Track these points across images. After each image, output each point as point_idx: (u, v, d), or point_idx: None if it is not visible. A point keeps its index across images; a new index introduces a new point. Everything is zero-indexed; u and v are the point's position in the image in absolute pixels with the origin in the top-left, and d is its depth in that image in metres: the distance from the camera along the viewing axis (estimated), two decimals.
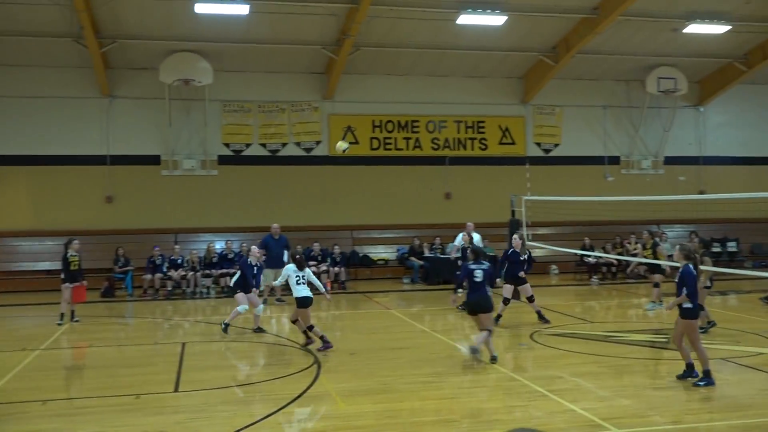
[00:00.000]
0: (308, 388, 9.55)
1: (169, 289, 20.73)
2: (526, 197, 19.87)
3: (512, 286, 14.63)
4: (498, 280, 14.28)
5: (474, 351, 10.77)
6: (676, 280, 9.52)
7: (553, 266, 25.04)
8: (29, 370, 11.11)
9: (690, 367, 9.49)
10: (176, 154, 24.20)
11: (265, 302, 17.12)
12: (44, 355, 12.31)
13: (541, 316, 14.60)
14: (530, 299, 14.75)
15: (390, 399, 9.01)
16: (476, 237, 17.26)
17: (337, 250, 22.38)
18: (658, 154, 27.74)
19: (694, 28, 23.25)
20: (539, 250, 23.75)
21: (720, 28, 23.40)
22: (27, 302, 19.51)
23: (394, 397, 9.07)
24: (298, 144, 25.13)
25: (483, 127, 26.49)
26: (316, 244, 22.24)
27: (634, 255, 20.52)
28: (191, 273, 20.88)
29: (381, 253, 25.16)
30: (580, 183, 25.70)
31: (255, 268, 14.10)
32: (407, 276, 23.57)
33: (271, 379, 10.22)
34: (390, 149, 25.76)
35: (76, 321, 15.65)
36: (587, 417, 8.07)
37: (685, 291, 9.26)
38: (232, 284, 14.47)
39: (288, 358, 11.80)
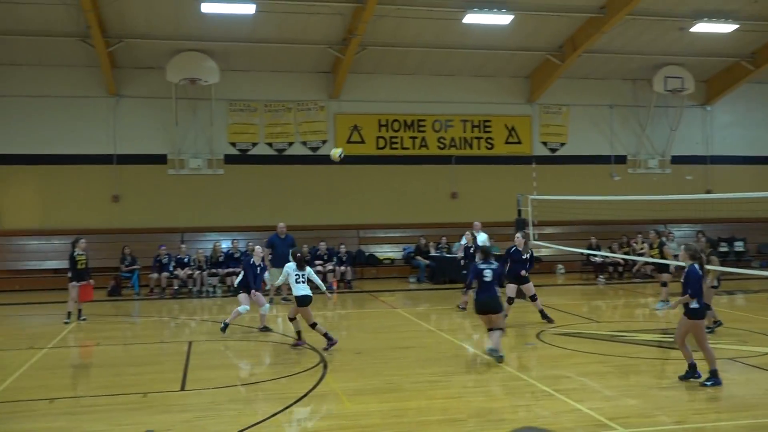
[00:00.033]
0: (314, 387, 9.56)
1: (176, 288, 20.78)
2: (533, 196, 19.86)
3: (515, 286, 14.61)
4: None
5: (494, 352, 10.77)
6: (682, 280, 9.50)
7: (560, 266, 25.00)
8: (36, 368, 11.15)
9: (692, 367, 9.46)
10: (182, 154, 24.25)
11: (271, 301, 17.18)
12: (51, 354, 12.35)
13: (544, 315, 14.58)
14: (533, 298, 14.73)
15: (396, 398, 9.01)
16: (483, 236, 17.23)
17: (343, 249, 22.40)
18: (665, 153, 27.68)
19: (701, 27, 23.18)
20: (545, 249, 23.76)
21: (727, 27, 23.33)
22: (34, 301, 19.59)
23: (401, 397, 9.08)
24: (304, 143, 25.15)
25: (489, 127, 26.47)
26: (322, 243, 22.27)
27: (641, 254, 20.48)
28: (197, 272, 20.91)
29: (387, 252, 25.16)
30: (587, 182, 25.67)
31: (258, 268, 14.03)
32: (413, 275, 23.56)
33: (277, 377, 10.24)
34: (396, 148, 25.75)
35: (83, 320, 15.70)
36: (593, 416, 8.06)
37: (689, 291, 9.24)
38: (236, 284, 14.47)
39: (294, 357, 11.80)
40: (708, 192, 26.10)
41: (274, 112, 24.88)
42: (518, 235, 15.52)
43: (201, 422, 8.13)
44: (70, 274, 15.74)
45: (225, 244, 22.21)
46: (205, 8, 20.53)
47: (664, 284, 16.42)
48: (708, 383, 9.20)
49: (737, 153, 28.07)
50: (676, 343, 9.69)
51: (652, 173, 27.54)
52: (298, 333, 12.26)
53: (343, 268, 21.83)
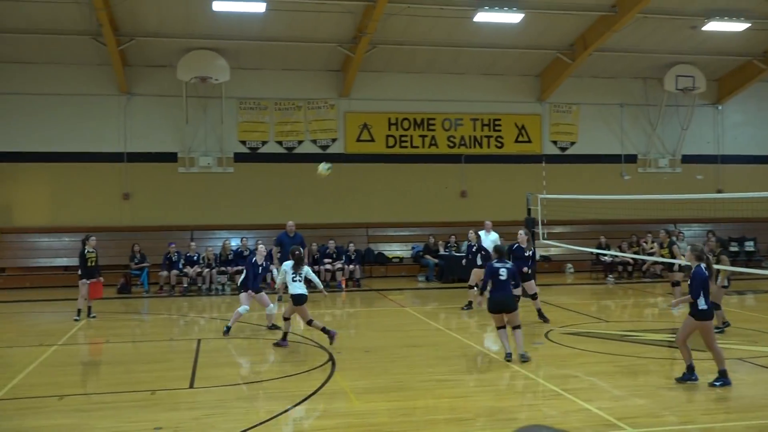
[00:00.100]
0: (322, 385, 9.58)
1: (185, 285, 20.83)
2: (542, 195, 19.81)
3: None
4: None
5: (526, 356, 10.76)
6: (689, 281, 9.47)
7: (569, 265, 24.93)
8: (46, 365, 11.21)
9: (690, 369, 9.39)
10: (193, 152, 24.31)
11: (280, 299, 17.18)
12: (61, 351, 12.41)
13: (541, 315, 14.54)
14: (533, 296, 14.70)
15: (404, 397, 9.01)
16: (494, 236, 17.15)
17: (352, 247, 22.42)
18: (675, 152, 27.57)
19: (713, 26, 23.06)
20: (555, 248, 23.72)
21: (739, 26, 23.20)
22: (44, 298, 19.68)
23: (409, 395, 9.08)
24: (314, 141, 25.17)
25: (499, 125, 26.42)
26: (331, 241, 22.29)
27: (651, 254, 20.39)
28: (207, 270, 20.96)
29: (396, 250, 25.16)
30: (597, 181, 25.61)
31: (260, 267, 13.79)
32: (422, 274, 23.56)
33: (285, 376, 10.25)
34: (406, 147, 25.73)
35: (93, 317, 15.76)
36: (602, 416, 8.04)
37: (697, 294, 9.20)
38: (239, 283, 14.42)
39: (302, 355, 11.82)
40: (719, 191, 25.98)
41: (284, 110, 24.91)
42: (521, 231, 15.52)
43: (209, 420, 8.15)
44: (80, 272, 15.82)
45: (234, 242, 22.27)
46: (216, 6, 20.57)
47: (677, 284, 16.34)
48: (717, 383, 9.16)
49: (748, 152, 27.93)
50: (677, 343, 9.62)
51: (662, 172, 27.44)
52: (285, 334, 12.27)
53: (352, 266, 21.85)
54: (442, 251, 23.50)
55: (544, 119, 26.77)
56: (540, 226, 19.00)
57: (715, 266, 12.80)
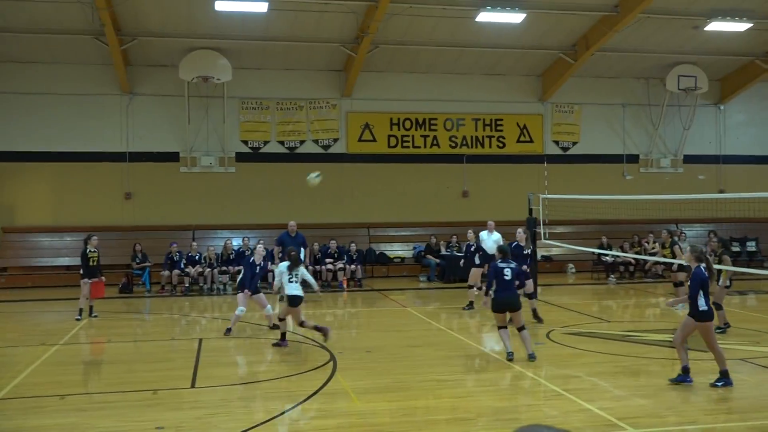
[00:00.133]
0: (324, 385, 9.58)
1: (187, 285, 20.82)
2: (544, 195, 19.79)
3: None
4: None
5: (533, 357, 10.77)
6: (688, 282, 9.47)
7: (571, 265, 24.93)
8: (48, 364, 11.22)
9: (685, 370, 9.36)
10: (195, 151, 24.31)
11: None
12: (63, 350, 12.42)
13: (535, 315, 14.53)
14: (530, 296, 14.70)
15: (405, 397, 9.01)
16: (497, 236, 17.14)
17: (353, 247, 22.43)
18: (677, 152, 27.55)
19: (715, 26, 23.04)
20: (556, 248, 23.69)
21: (741, 26, 23.18)
22: (46, 297, 19.70)
23: (410, 395, 9.08)
24: (316, 141, 25.17)
25: (501, 125, 26.41)
26: (332, 241, 22.29)
27: (653, 254, 20.36)
28: (208, 269, 20.96)
29: (397, 250, 25.16)
30: (599, 181, 25.61)
31: (257, 267, 13.69)
32: (423, 274, 23.55)
33: (287, 375, 10.26)
34: (408, 147, 25.73)
35: (95, 316, 15.78)
36: (603, 416, 8.04)
37: (695, 294, 9.19)
38: (237, 283, 14.39)
39: (303, 355, 11.83)
40: (720, 191, 25.94)
41: (286, 110, 24.92)
42: (519, 230, 15.54)
43: (211, 419, 8.16)
44: (81, 271, 15.85)
45: (236, 242, 22.26)
46: (219, 6, 20.57)
47: (680, 284, 16.32)
48: (719, 384, 9.15)
49: (750, 152, 27.92)
50: (674, 343, 9.60)
51: (664, 172, 27.43)
52: (283, 334, 12.27)
53: (353, 266, 21.85)
54: (443, 251, 23.50)
55: (546, 119, 26.75)
56: (541, 226, 18.98)
57: (718, 266, 12.83)
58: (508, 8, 21.25)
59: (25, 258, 23.19)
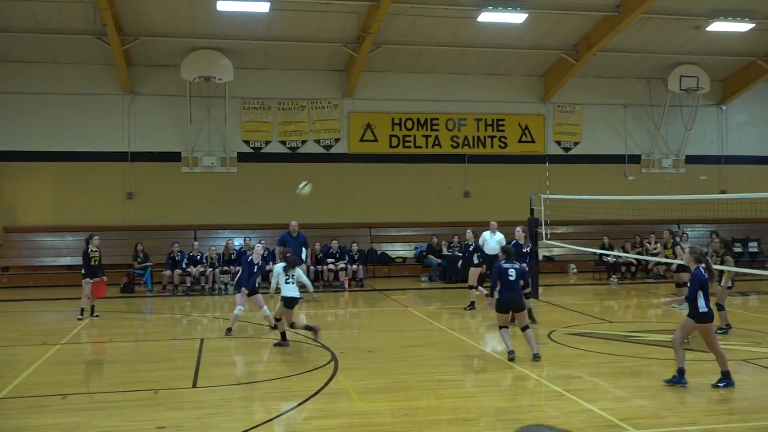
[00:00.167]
0: (325, 385, 9.58)
1: (188, 285, 20.82)
2: (546, 196, 19.79)
3: None
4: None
5: (537, 357, 10.76)
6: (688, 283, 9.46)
7: (572, 265, 24.92)
8: (49, 364, 11.23)
9: (681, 372, 9.32)
10: (196, 151, 24.32)
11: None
12: (64, 350, 12.43)
13: (530, 315, 14.48)
14: (526, 295, 14.66)
15: (407, 397, 9.01)
16: (499, 236, 17.12)
17: (355, 247, 22.43)
18: (679, 152, 27.53)
19: (717, 26, 23.02)
20: (558, 248, 23.67)
21: (743, 26, 23.16)
22: (48, 297, 19.72)
23: (411, 395, 9.08)
24: (317, 141, 25.17)
25: (503, 125, 26.40)
26: (334, 241, 22.28)
27: (655, 254, 20.33)
28: (210, 269, 20.96)
29: (399, 251, 25.16)
30: (600, 182, 25.59)
31: (255, 266, 13.67)
32: (425, 274, 23.56)
33: (288, 375, 10.25)
34: (409, 147, 25.73)
35: (96, 316, 15.78)
36: (605, 417, 8.04)
37: (693, 295, 9.18)
38: (234, 282, 14.38)
39: (305, 355, 11.83)
40: (722, 192, 25.92)
41: (287, 110, 24.92)
42: (518, 228, 15.54)
43: (212, 419, 8.16)
44: (83, 271, 15.86)
45: (237, 242, 22.28)
46: (221, 6, 20.58)
47: (684, 284, 16.27)
48: (720, 384, 9.14)
49: (752, 153, 27.90)
50: (673, 344, 9.57)
51: (666, 173, 27.42)
52: (283, 334, 12.27)
53: (355, 266, 21.85)
54: (445, 251, 23.50)
55: (548, 119, 26.75)
56: (543, 227, 18.97)
57: (720, 267, 12.82)
58: (509, 8, 21.25)
59: (26, 257, 23.21)
